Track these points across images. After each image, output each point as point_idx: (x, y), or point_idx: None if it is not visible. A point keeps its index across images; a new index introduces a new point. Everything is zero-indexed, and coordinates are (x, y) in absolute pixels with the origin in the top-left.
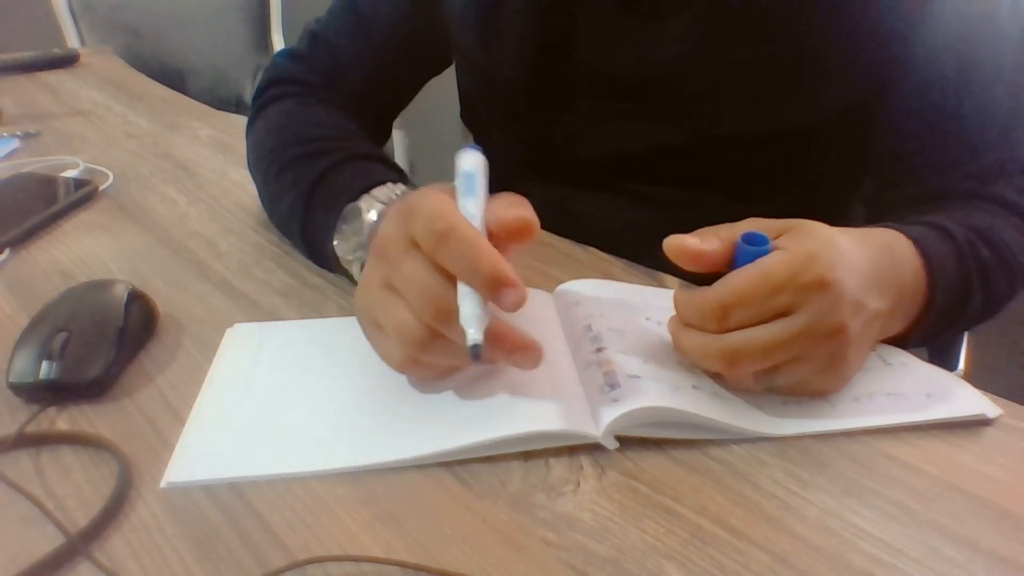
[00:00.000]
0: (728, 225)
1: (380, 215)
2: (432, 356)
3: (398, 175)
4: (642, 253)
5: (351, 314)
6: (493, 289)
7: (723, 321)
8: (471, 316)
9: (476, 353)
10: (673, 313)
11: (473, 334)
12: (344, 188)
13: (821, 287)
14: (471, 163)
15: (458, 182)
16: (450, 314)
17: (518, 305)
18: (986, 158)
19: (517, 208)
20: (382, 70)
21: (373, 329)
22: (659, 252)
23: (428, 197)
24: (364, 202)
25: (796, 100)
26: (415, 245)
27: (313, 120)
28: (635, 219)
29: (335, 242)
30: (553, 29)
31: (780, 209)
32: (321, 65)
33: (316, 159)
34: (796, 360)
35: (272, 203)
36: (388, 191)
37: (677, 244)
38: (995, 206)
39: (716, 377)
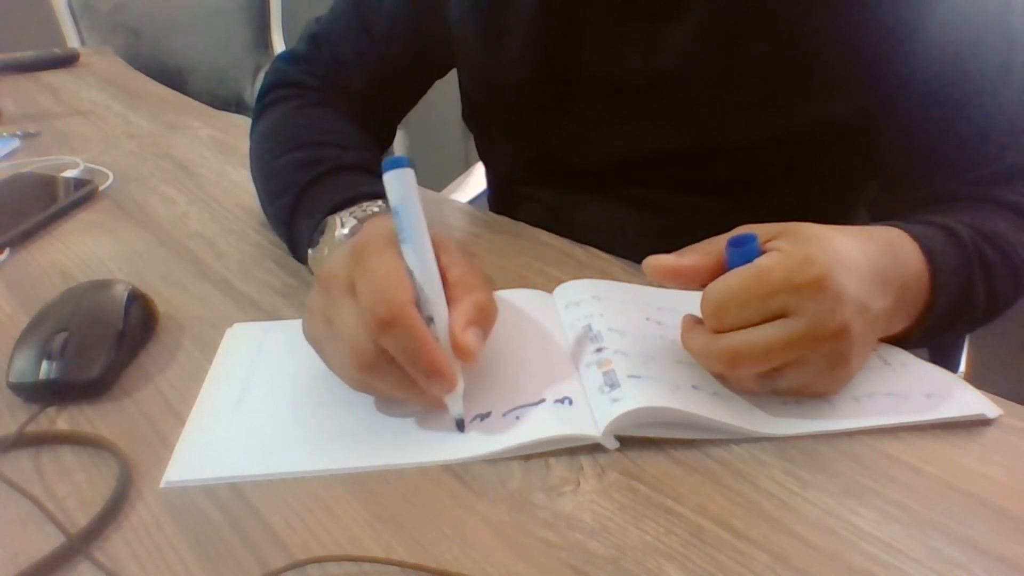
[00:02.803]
0: (711, 240)
1: (352, 231)
2: (374, 388)
3: (375, 188)
4: (643, 259)
5: None
6: (427, 379)
7: (717, 320)
8: (459, 394)
9: (461, 427)
10: (673, 312)
11: (458, 410)
12: (325, 201)
13: (818, 289)
14: (398, 193)
15: (395, 221)
16: (375, 364)
17: (441, 395)
18: (994, 162)
19: (470, 333)
20: (385, 72)
21: (319, 353)
22: None
23: (372, 263)
24: (340, 216)
25: (801, 105)
26: (355, 290)
27: (308, 125)
28: (637, 224)
29: (309, 251)
30: (557, 33)
31: (783, 214)
32: (322, 67)
33: (304, 169)
34: (798, 362)
35: (265, 209)
36: (364, 207)
37: (654, 264)
38: (1002, 209)
39: (719, 378)
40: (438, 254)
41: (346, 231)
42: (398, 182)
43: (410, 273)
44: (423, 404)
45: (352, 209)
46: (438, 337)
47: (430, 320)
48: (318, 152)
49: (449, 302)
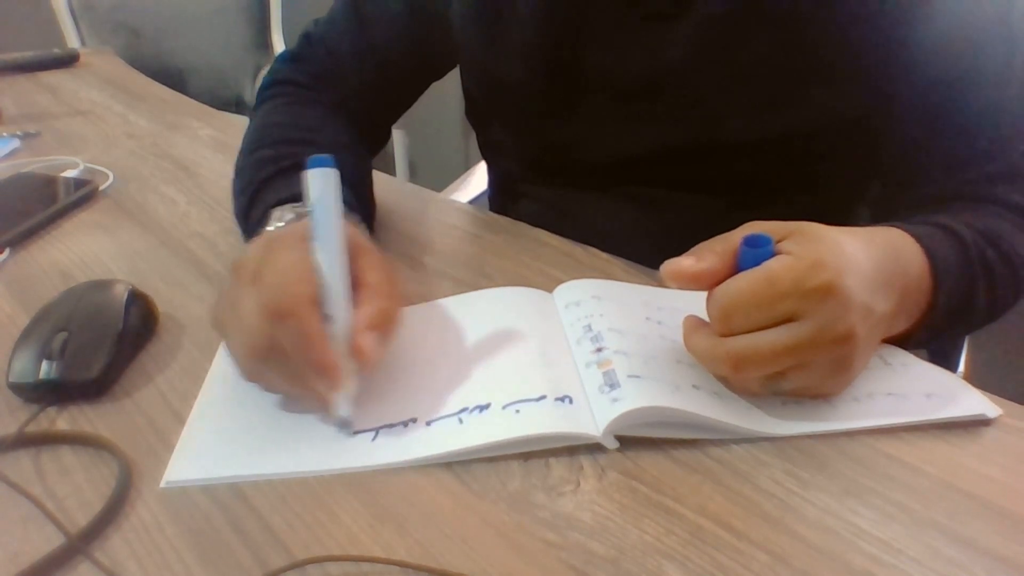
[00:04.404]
0: (723, 236)
1: (287, 225)
2: (266, 378)
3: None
4: (645, 257)
5: None
6: (313, 373)
7: (725, 323)
8: (347, 394)
9: (346, 429)
10: (673, 312)
11: (345, 411)
12: (272, 196)
13: (828, 294)
14: (316, 191)
15: (310, 218)
16: (267, 352)
17: (327, 392)
18: (995, 161)
19: (368, 336)
20: (380, 70)
21: (223, 339)
22: (664, 257)
23: (280, 256)
24: (282, 210)
25: (803, 103)
26: (259, 280)
27: (284, 122)
28: (639, 223)
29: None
30: (559, 31)
31: (785, 213)
32: (313, 66)
33: (266, 165)
34: (803, 366)
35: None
36: (301, 205)
37: (674, 269)
38: (1003, 209)
39: (721, 379)
40: (357, 258)
41: (282, 224)
42: (318, 181)
43: (317, 271)
44: (312, 399)
45: (295, 204)
46: (335, 336)
47: (329, 318)
48: (284, 149)
49: (357, 306)
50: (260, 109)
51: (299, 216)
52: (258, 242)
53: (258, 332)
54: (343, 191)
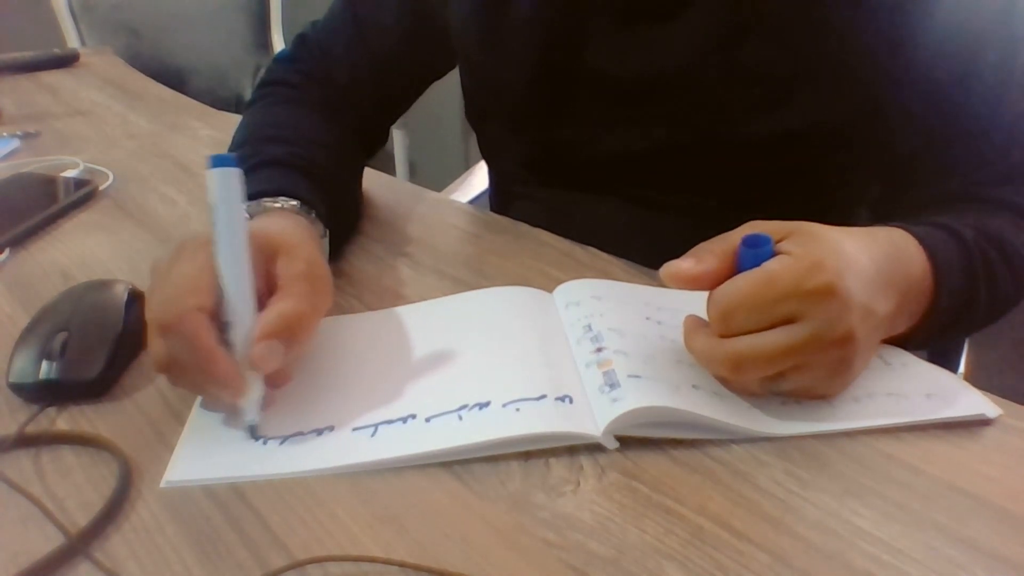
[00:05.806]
0: (722, 236)
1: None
2: (180, 384)
3: (290, 185)
4: (644, 258)
5: (348, 312)
6: (210, 383)
7: (724, 324)
8: (252, 400)
9: (253, 434)
10: (673, 312)
11: (251, 417)
12: None
13: (828, 295)
14: (216, 192)
15: (210, 221)
16: (167, 363)
17: (230, 399)
18: (996, 163)
19: (262, 345)
20: (377, 73)
21: None
22: (662, 257)
23: (179, 264)
24: None
25: (801, 105)
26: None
27: (262, 122)
28: (638, 223)
29: None
30: (557, 32)
31: (784, 214)
32: (305, 65)
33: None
34: (802, 367)
35: None
36: (262, 203)
37: (673, 271)
38: (1005, 210)
39: (722, 380)
40: (275, 259)
41: None
42: (219, 181)
43: (218, 276)
44: (226, 402)
45: (249, 204)
46: (234, 343)
47: (230, 325)
48: (255, 148)
49: (269, 307)
50: (249, 111)
51: (252, 215)
52: (177, 245)
53: (153, 345)
54: (306, 190)
